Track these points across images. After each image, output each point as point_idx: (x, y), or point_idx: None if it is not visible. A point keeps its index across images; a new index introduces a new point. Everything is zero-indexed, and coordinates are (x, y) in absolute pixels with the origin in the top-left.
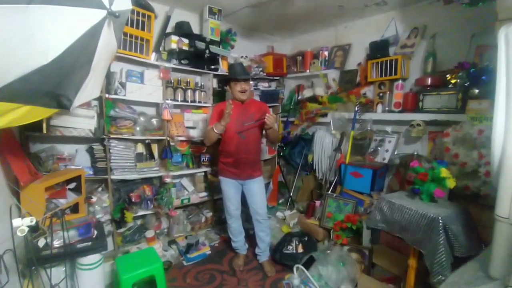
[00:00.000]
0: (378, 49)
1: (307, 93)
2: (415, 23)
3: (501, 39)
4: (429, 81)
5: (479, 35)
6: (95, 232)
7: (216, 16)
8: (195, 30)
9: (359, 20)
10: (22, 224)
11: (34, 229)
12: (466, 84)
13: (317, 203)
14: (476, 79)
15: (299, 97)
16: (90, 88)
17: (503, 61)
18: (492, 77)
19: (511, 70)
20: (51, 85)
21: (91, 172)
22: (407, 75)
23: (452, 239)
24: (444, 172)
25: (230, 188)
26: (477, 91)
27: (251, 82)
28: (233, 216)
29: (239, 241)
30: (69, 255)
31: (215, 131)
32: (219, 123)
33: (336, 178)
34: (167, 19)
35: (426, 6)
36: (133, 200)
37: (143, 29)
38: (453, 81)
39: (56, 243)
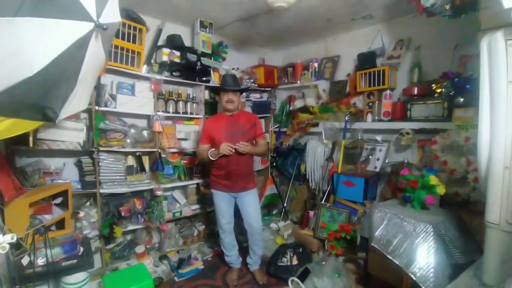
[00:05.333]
0: (366, 60)
1: (298, 103)
2: (400, 35)
3: (484, 48)
4: (415, 90)
5: (462, 46)
6: (81, 249)
7: (207, 29)
8: (187, 43)
9: (347, 33)
10: (3, 241)
11: (17, 247)
12: (451, 93)
13: (311, 213)
14: (461, 88)
15: (291, 108)
16: (77, 100)
17: (486, 70)
18: (476, 86)
19: (494, 78)
20: (36, 98)
21: (79, 186)
22: (395, 85)
23: (449, 246)
24: (433, 179)
25: (222, 201)
26: (462, 99)
27: (243, 94)
28: (226, 230)
29: (232, 255)
30: (52, 274)
31: (210, 157)
32: (214, 152)
33: (329, 187)
34: (159, 32)
35: (410, 19)
36: (122, 214)
37: (134, 42)
38: (438, 90)
39: (41, 261)
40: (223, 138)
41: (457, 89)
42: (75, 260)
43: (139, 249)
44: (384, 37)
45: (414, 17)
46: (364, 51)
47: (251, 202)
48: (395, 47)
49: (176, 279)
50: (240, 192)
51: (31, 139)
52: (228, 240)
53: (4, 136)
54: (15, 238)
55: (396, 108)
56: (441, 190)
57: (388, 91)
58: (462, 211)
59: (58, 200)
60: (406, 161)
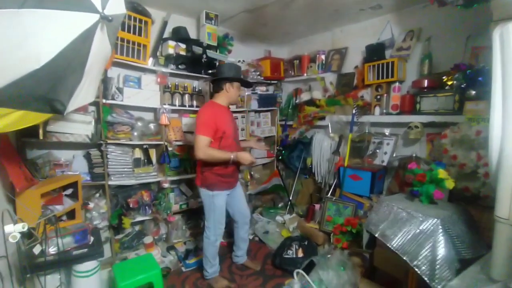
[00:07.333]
0: (375, 52)
1: (304, 96)
2: (410, 26)
3: (496, 38)
4: (425, 83)
5: (474, 37)
6: (92, 239)
7: (213, 21)
8: (192, 35)
9: (355, 24)
10: (14, 230)
11: (29, 236)
12: (462, 86)
13: (317, 206)
14: (473, 80)
15: (297, 101)
16: (84, 93)
17: (498, 61)
18: (488, 78)
19: (507, 69)
20: (44, 90)
21: (88, 178)
22: (404, 77)
23: (456, 241)
24: (442, 173)
25: (223, 202)
26: (473, 92)
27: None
28: (221, 235)
29: (217, 262)
30: (63, 262)
31: (232, 157)
32: (237, 155)
33: (335, 181)
34: (164, 24)
35: (420, 9)
36: (131, 206)
37: (140, 34)
38: (449, 83)
39: (52, 250)
40: (232, 131)
41: (469, 81)
42: (85, 249)
43: (147, 239)
44: (394, 28)
45: (425, 7)
46: (373, 42)
47: (241, 193)
48: (405, 38)
49: (183, 269)
50: (235, 185)
51: (41, 131)
52: (218, 246)
53: (14, 128)
54: (26, 228)
55: (405, 101)
56: (449, 184)
57: (397, 84)
58: (471, 206)
59: (69, 191)
60: (414, 155)
